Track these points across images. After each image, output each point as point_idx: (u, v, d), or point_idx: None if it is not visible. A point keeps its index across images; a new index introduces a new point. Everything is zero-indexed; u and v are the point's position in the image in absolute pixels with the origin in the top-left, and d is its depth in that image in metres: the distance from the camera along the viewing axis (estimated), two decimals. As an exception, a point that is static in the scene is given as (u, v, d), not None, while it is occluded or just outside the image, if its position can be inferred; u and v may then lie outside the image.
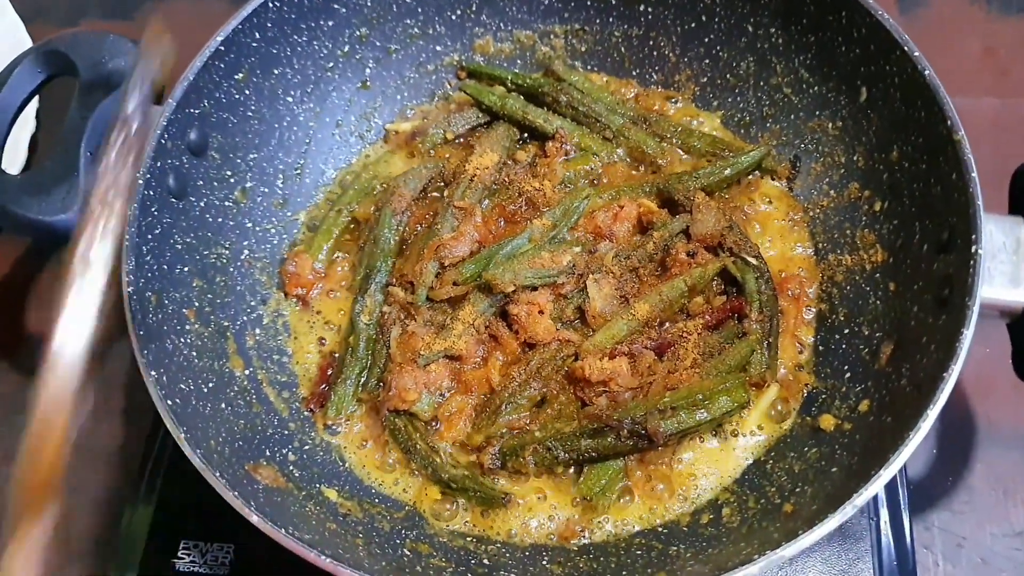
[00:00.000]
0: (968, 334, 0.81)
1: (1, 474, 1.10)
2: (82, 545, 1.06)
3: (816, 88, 1.09)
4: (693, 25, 1.15)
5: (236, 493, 0.79)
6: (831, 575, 0.93)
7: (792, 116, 1.12)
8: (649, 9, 1.16)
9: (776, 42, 1.10)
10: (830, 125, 1.08)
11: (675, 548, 0.91)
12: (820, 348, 1.03)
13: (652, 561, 0.90)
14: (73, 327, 0.74)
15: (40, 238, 0.98)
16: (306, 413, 1.03)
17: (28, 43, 1.32)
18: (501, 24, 1.21)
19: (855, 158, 1.06)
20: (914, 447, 0.78)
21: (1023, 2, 1.32)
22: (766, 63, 1.13)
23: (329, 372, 1.05)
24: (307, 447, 1.00)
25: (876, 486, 0.77)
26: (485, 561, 0.92)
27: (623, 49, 1.21)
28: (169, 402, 0.85)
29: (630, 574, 0.89)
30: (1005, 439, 1.05)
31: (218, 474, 0.80)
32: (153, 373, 0.86)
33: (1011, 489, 1.02)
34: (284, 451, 0.97)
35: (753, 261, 1.03)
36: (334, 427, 1.02)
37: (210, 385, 0.95)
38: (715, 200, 1.09)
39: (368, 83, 1.20)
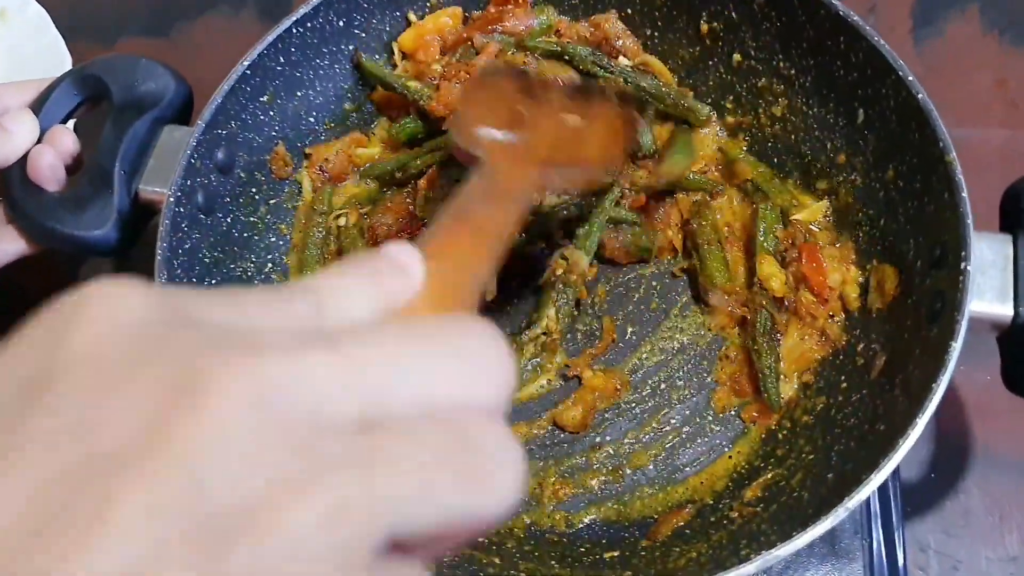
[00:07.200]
0: (957, 346, 0.85)
1: None
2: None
3: (815, 109, 1.13)
4: (697, 49, 1.20)
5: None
6: (823, 595, 0.94)
7: (792, 136, 1.16)
8: (656, 34, 1.21)
9: (777, 65, 1.15)
10: (828, 145, 1.12)
11: (678, 547, 0.95)
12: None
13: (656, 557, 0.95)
14: None
15: (77, 251, 1.04)
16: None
17: (68, 60, 1.36)
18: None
19: (852, 176, 1.10)
20: (904, 453, 0.81)
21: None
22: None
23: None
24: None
25: (867, 489, 0.81)
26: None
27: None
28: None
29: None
30: (1003, 464, 1.06)
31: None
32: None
33: (1008, 514, 1.03)
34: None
35: None
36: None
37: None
38: None
39: (386, 104, 1.25)
